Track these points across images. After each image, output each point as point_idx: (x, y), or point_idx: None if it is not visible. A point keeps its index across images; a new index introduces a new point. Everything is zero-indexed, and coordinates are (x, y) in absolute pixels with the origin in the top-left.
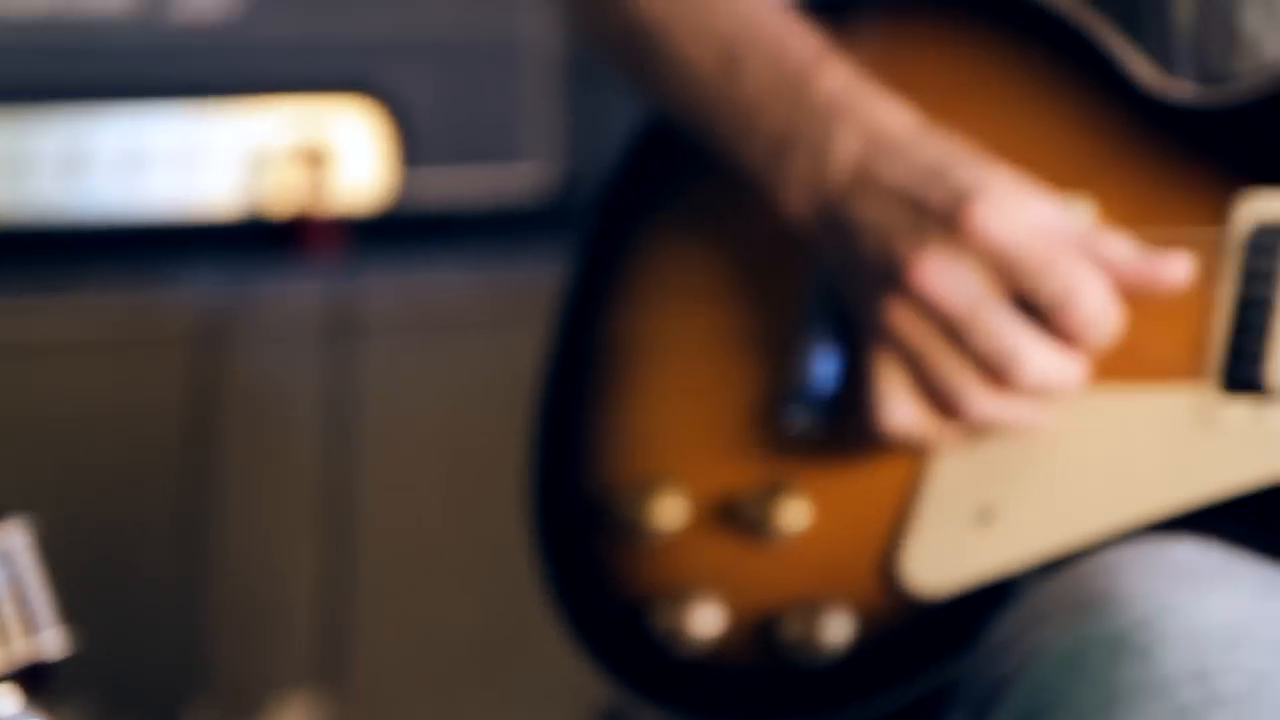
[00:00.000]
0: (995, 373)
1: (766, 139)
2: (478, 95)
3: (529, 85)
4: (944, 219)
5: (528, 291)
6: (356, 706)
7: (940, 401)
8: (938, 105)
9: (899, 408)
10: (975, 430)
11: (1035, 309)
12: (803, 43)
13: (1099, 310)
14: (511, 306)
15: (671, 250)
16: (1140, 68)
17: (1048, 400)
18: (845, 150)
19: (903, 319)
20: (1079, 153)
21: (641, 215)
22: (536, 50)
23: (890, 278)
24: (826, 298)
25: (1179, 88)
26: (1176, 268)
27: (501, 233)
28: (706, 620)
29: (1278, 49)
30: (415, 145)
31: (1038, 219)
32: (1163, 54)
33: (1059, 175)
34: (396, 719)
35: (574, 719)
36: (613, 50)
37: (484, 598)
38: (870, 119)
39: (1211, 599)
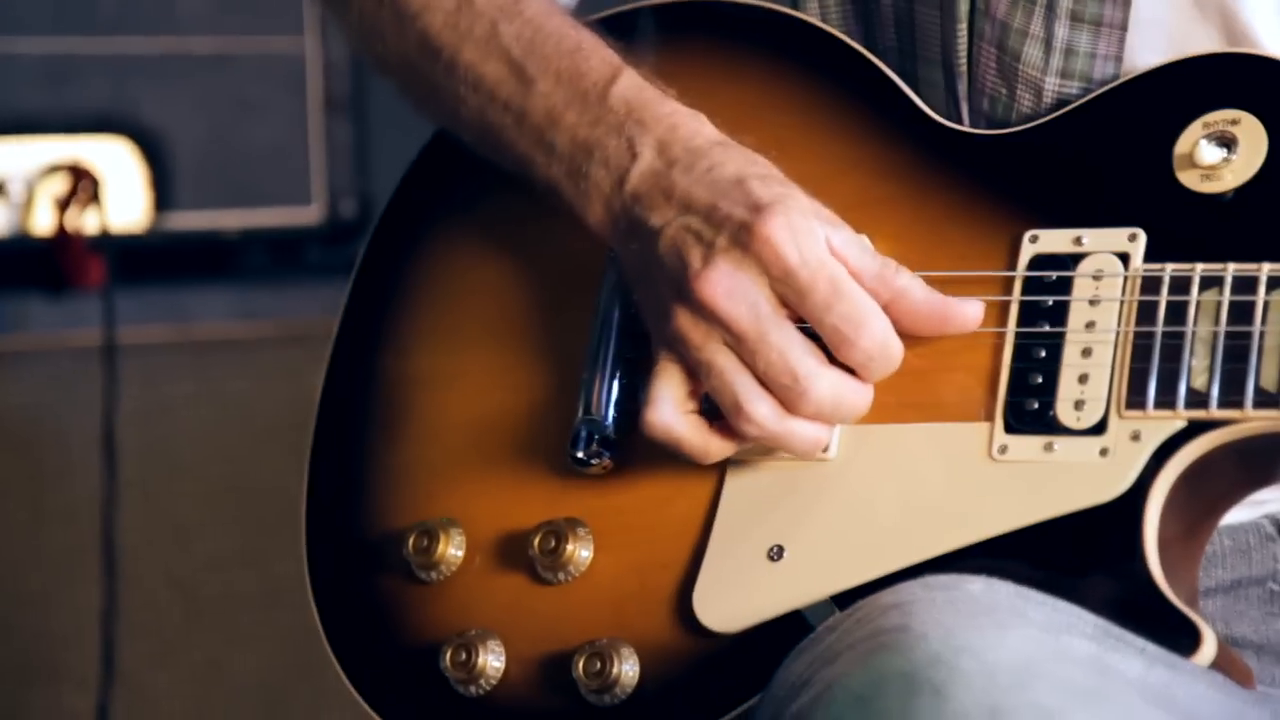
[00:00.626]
0: (778, 392)
1: (565, 152)
2: (250, 125)
3: (302, 116)
4: (735, 232)
5: (301, 321)
6: None
7: (721, 412)
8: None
9: (667, 410)
10: (749, 444)
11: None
12: (598, 56)
13: (880, 347)
14: (284, 334)
15: (448, 284)
16: (925, 101)
17: (828, 425)
18: (643, 158)
19: (689, 328)
20: (865, 186)
21: (417, 249)
22: (313, 81)
23: (680, 287)
24: (612, 331)
25: (965, 121)
26: (969, 310)
27: (274, 261)
28: (490, 661)
29: (1056, 82)
30: (183, 174)
31: (831, 243)
32: (947, 87)
33: (844, 209)
34: None
35: None
36: (401, 73)
37: (261, 637)
38: (668, 127)
39: (1003, 636)
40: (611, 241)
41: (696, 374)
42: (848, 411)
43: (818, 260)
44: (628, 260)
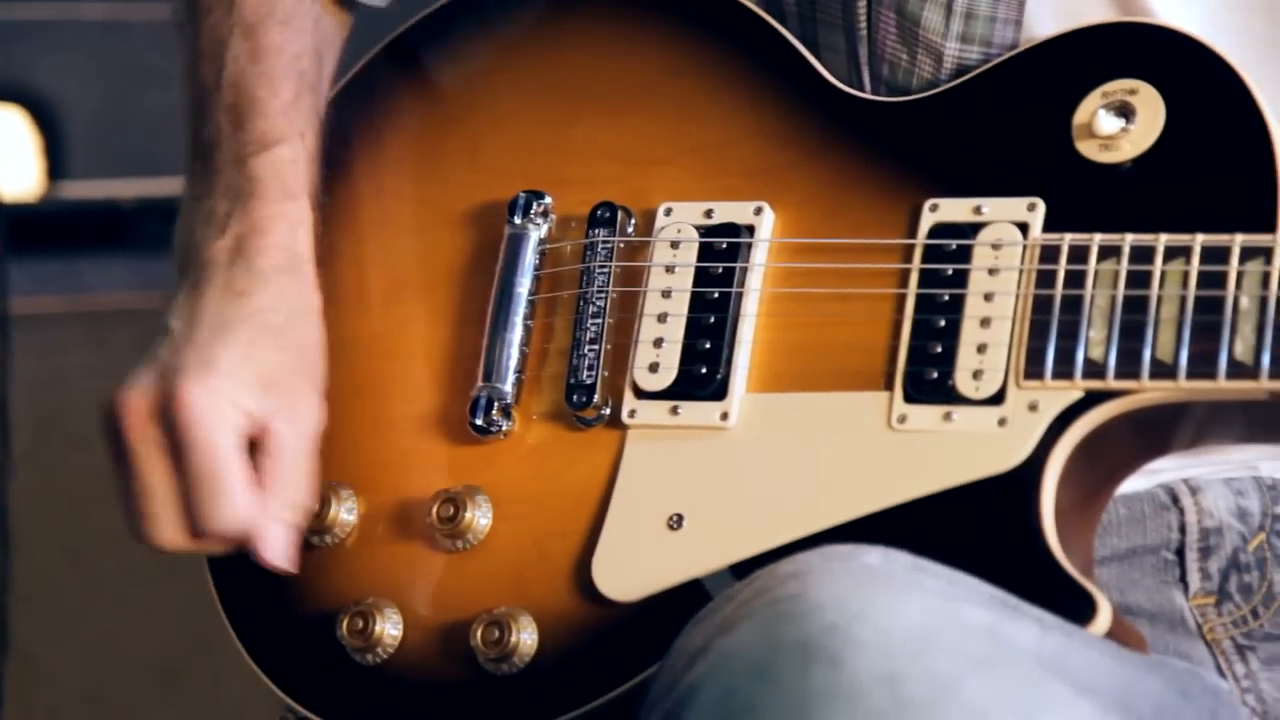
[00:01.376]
0: (131, 516)
1: (199, 184)
2: (146, 92)
3: None
4: (170, 382)
5: None
6: None
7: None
8: (625, 99)
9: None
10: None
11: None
12: (274, 118)
13: (234, 518)
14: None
15: (346, 250)
16: (827, 67)
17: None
18: (225, 243)
19: (115, 409)
20: (766, 153)
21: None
22: None
23: (121, 392)
24: (511, 298)
25: (867, 87)
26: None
27: (171, 230)
28: (388, 630)
29: (956, 47)
30: (77, 142)
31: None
32: (849, 52)
33: (746, 175)
34: None
35: None
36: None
37: (159, 610)
38: (261, 228)
39: (900, 604)
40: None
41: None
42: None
43: (212, 435)
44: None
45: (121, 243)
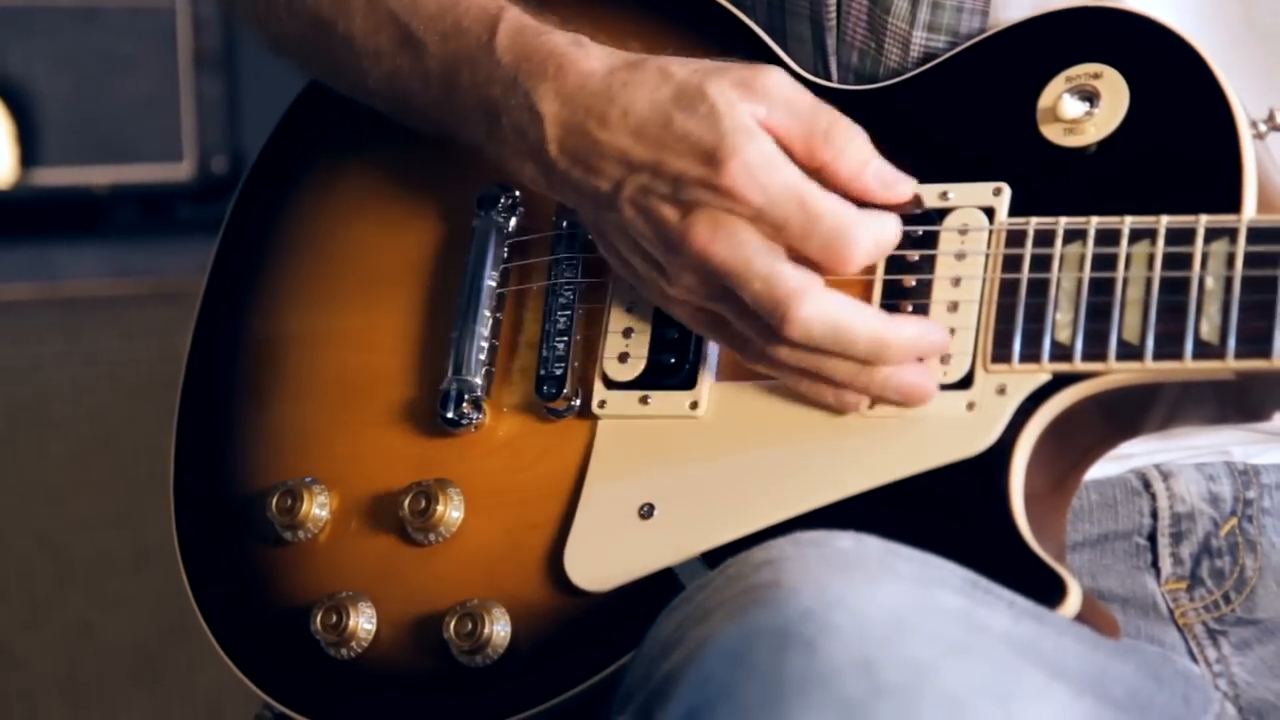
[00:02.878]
0: (765, 319)
1: (474, 116)
2: (119, 79)
3: (172, 70)
4: (698, 188)
5: (173, 278)
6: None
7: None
8: None
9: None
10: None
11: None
12: (476, 4)
13: (873, 254)
14: (155, 292)
15: (318, 242)
16: (794, 56)
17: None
18: (548, 118)
19: (691, 282)
20: None
21: (286, 205)
22: (183, 35)
23: (668, 245)
24: (481, 291)
25: (834, 76)
26: (902, 185)
27: (144, 217)
28: (361, 624)
29: (923, 36)
30: (50, 129)
31: (765, 121)
32: (815, 41)
33: None
34: None
35: None
36: (300, 54)
37: (133, 599)
38: (556, 72)
39: (874, 590)
40: (556, 197)
41: (709, 318)
42: (847, 330)
43: (783, 191)
44: (585, 218)
45: (95, 230)
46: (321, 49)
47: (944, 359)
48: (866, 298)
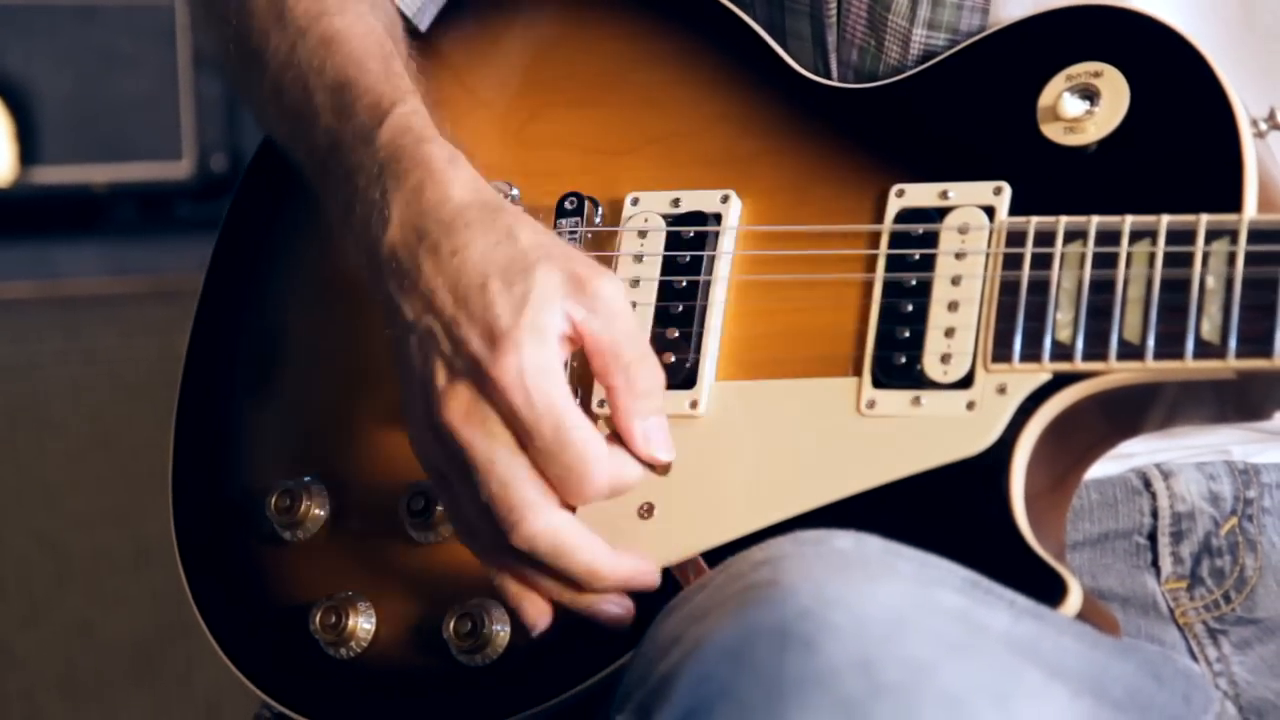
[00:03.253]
0: (497, 522)
1: (336, 197)
2: (119, 78)
3: (172, 69)
4: (472, 364)
5: (172, 277)
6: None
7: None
8: (591, 90)
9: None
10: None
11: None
12: (375, 88)
13: (604, 494)
14: (154, 290)
15: (316, 241)
16: (793, 54)
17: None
18: (391, 225)
19: (434, 444)
20: (732, 141)
21: (285, 204)
22: (183, 34)
23: (427, 399)
24: None
25: (834, 73)
26: (664, 456)
27: (144, 216)
28: (360, 623)
29: (923, 34)
30: (50, 127)
31: (572, 319)
32: (815, 39)
33: (712, 164)
34: None
35: None
36: (236, 80)
37: (132, 597)
38: (415, 187)
39: (873, 589)
40: (377, 298)
41: (439, 484)
42: (568, 553)
43: (544, 406)
44: (385, 334)
45: (94, 228)
46: (249, 80)
47: (944, 359)
48: (867, 298)
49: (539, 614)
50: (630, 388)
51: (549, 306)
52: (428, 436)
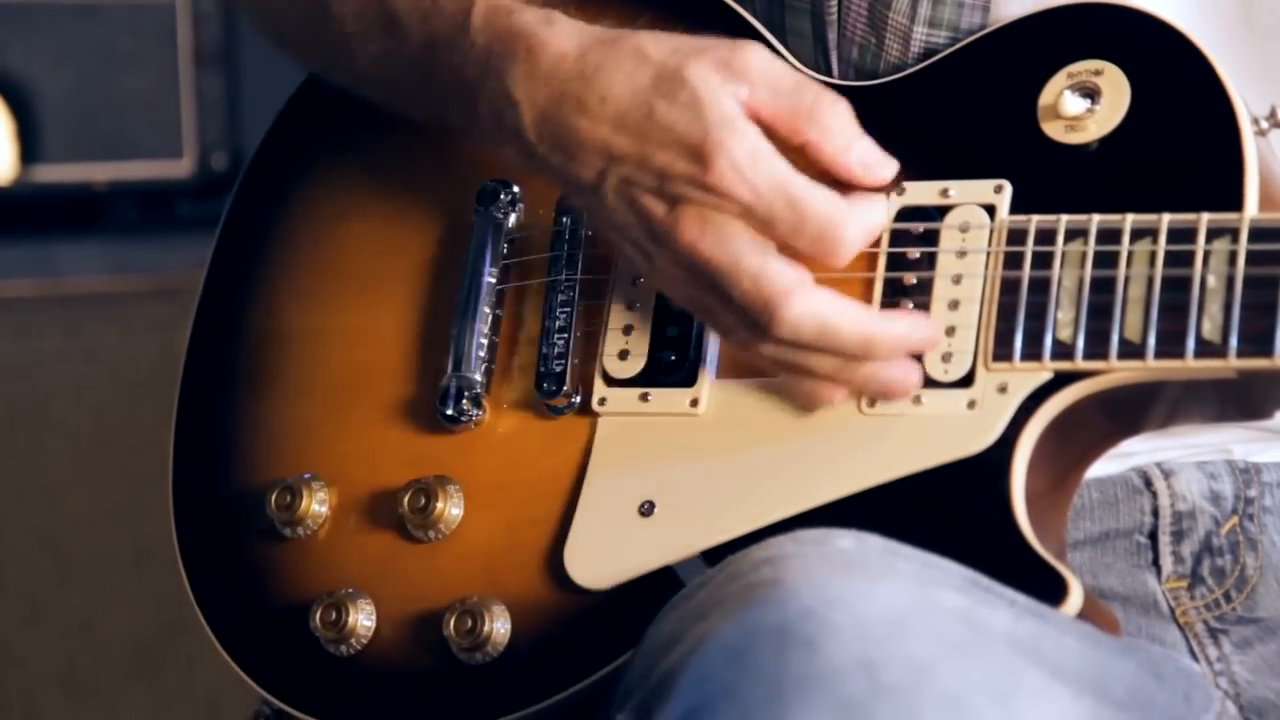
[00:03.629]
0: (753, 317)
1: (456, 99)
2: (119, 76)
3: (173, 67)
4: (685, 183)
5: (172, 275)
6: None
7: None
8: None
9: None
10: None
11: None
12: None
13: (861, 245)
14: (155, 288)
15: (316, 238)
16: (794, 51)
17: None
18: (522, 104)
19: (681, 277)
20: None
21: (284, 202)
22: (183, 32)
23: (655, 238)
24: (480, 286)
25: (834, 71)
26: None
27: (144, 214)
28: (361, 621)
29: (924, 31)
30: (50, 126)
31: (747, 102)
32: (816, 36)
33: None
34: None
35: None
36: (293, 40)
37: (133, 595)
38: (527, 55)
39: (874, 589)
40: (543, 180)
41: (698, 309)
42: (834, 328)
43: (771, 188)
44: (569, 197)
45: (95, 227)
46: (315, 35)
47: (945, 357)
48: (867, 297)
49: (827, 397)
50: (825, 131)
51: (720, 95)
52: (671, 272)
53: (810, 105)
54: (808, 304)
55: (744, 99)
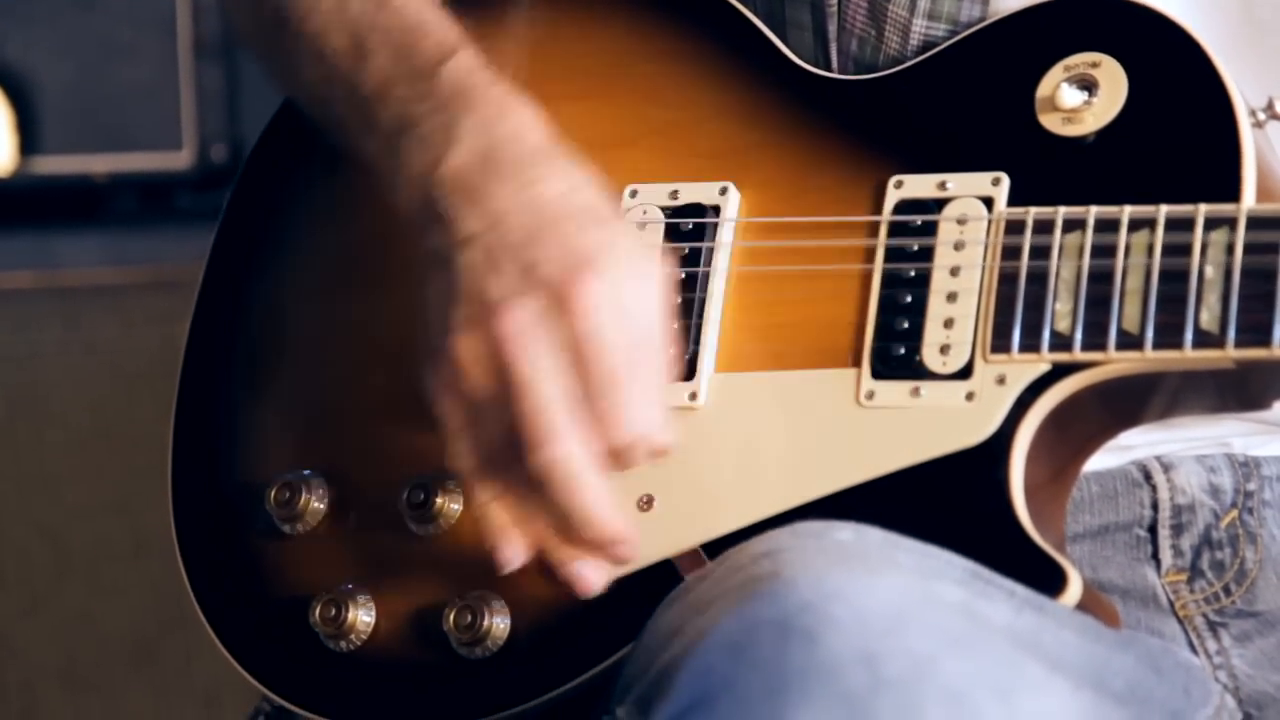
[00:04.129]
0: (526, 442)
1: (386, 128)
2: (119, 67)
3: (172, 59)
4: (547, 285)
5: (172, 267)
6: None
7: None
8: (588, 82)
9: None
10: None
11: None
12: (438, 34)
13: (636, 434)
14: (154, 280)
15: (316, 233)
16: (794, 44)
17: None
18: (461, 145)
19: (471, 356)
20: (731, 133)
21: (284, 197)
22: (183, 23)
23: (482, 309)
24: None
25: (834, 63)
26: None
27: (144, 206)
28: (360, 616)
29: (923, 24)
30: (50, 117)
31: (640, 312)
32: (815, 28)
33: (710, 156)
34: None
35: (233, 718)
36: (256, 40)
37: (132, 587)
38: (492, 116)
39: (874, 582)
40: (410, 227)
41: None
42: (578, 490)
43: (614, 339)
44: (423, 253)
45: (94, 218)
46: (274, 40)
47: (943, 349)
48: (866, 289)
49: (515, 553)
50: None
51: (649, 250)
52: (469, 355)
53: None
54: (572, 452)
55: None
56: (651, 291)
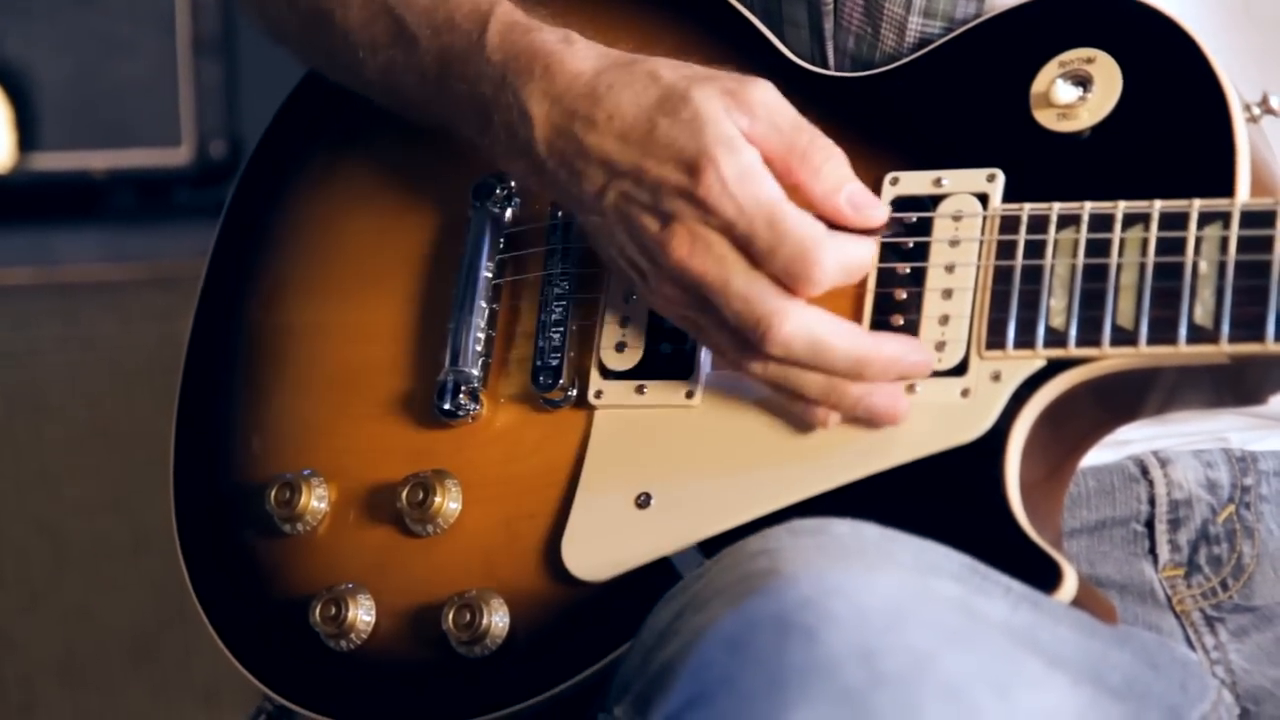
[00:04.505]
0: (745, 337)
1: (466, 112)
2: (117, 63)
3: (171, 54)
4: (676, 196)
5: (171, 263)
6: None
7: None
8: None
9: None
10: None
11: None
12: (469, 2)
13: (836, 275)
14: (153, 277)
15: (316, 232)
16: (790, 41)
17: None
18: (536, 119)
19: (671, 292)
20: None
21: (286, 194)
22: (182, 19)
23: (648, 253)
24: (477, 282)
25: (830, 60)
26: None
27: (142, 202)
28: (360, 615)
29: (919, 21)
30: (48, 113)
31: (748, 133)
32: (812, 25)
33: None
34: (45, 716)
35: (233, 715)
36: (294, 40)
37: (131, 584)
38: (544, 72)
39: (873, 578)
40: (549, 196)
41: (689, 325)
42: (827, 347)
43: (755, 206)
44: (582, 223)
45: (93, 214)
46: (319, 39)
47: (939, 346)
48: (861, 287)
49: (821, 419)
50: (816, 173)
51: (722, 118)
52: (664, 290)
53: (805, 146)
54: (800, 321)
55: (744, 129)
56: (735, 118)
